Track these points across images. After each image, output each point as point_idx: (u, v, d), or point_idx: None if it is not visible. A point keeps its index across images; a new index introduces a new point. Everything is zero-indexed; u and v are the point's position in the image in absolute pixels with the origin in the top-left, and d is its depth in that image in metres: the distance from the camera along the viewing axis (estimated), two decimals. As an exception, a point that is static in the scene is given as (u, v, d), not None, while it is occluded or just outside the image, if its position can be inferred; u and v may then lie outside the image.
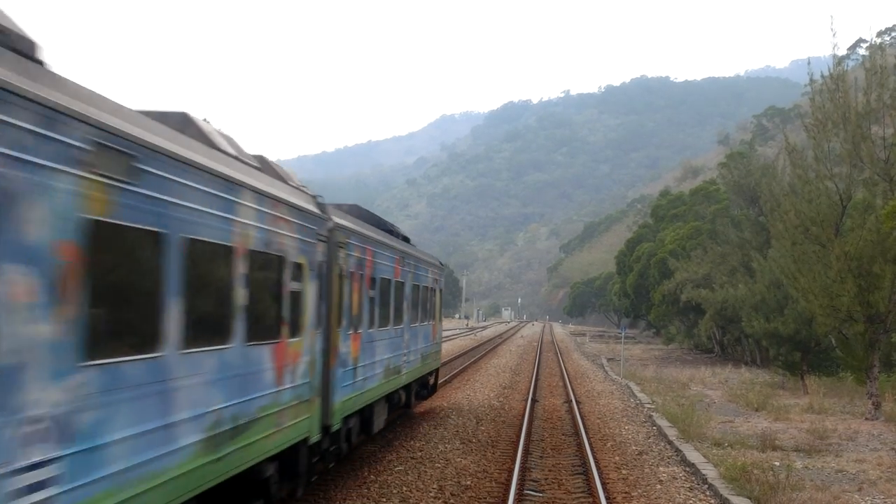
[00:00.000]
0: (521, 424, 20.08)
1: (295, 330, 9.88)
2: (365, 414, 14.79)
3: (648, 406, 24.44)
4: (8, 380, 4.63)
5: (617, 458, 16.78)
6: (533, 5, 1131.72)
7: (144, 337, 6.25)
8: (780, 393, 29.59)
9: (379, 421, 16.17)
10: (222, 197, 7.57)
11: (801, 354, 32.30)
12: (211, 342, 7.43)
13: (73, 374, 5.25)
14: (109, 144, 5.61)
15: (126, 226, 5.87)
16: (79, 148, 5.25)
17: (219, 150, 8.15)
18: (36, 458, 4.87)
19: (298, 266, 9.99)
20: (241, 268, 8.05)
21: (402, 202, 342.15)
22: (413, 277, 18.89)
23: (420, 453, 16.30)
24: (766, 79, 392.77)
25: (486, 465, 15.63)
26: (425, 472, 14.63)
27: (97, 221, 5.44)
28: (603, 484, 13.85)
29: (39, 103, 4.85)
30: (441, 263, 24.83)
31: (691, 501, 13.22)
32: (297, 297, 9.92)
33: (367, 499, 12.54)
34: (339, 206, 14.12)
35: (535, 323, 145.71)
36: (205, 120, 9.00)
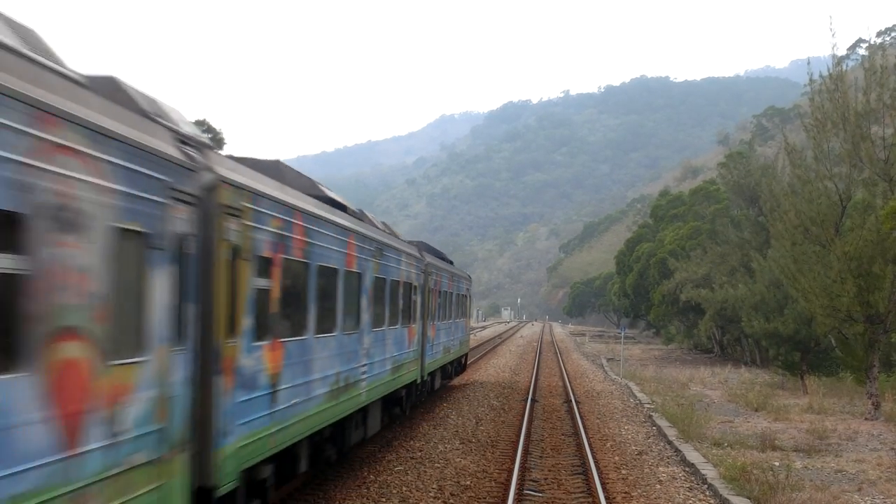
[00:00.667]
0: (521, 424, 20.09)
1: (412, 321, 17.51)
2: (442, 370, 25.49)
3: (648, 406, 24.45)
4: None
5: (616, 458, 16.78)
6: (533, 5, 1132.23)
7: (383, 321, 11.65)
8: (780, 393, 29.58)
9: (440, 380, 25.62)
10: (399, 259, 13.59)
11: (801, 354, 32.30)
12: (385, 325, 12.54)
13: (371, 333, 11.18)
14: (378, 247, 12.04)
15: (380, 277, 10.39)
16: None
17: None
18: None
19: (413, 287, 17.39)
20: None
21: (402, 202, 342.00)
22: (456, 288, 28.23)
23: (420, 453, 16.30)
24: (765, 79, 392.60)
25: (485, 465, 15.63)
26: (425, 472, 14.63)
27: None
28: (602, 484, 13.85)
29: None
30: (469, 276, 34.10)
31: (691, 501, 13.22)
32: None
33: (367, 499, 12.54)
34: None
35: (534, 323, 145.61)
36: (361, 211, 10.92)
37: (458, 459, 15.92)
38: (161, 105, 8.00)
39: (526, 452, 16.70)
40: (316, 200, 11.33)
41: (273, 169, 10.75)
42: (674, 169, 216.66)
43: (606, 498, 12.91)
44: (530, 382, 31.32)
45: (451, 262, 30.46)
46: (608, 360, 47.61)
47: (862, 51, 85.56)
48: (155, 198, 6.44)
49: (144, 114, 7.11)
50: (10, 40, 5.36)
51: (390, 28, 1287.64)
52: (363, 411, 14.44)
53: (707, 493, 13.65)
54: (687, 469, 15.58)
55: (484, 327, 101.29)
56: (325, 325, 11.49)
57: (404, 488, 13.34)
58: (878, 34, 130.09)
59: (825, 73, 23.56)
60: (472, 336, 76.78)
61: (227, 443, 7.93)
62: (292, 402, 9.97)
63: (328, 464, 13.02)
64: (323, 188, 12.64)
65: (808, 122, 24.47)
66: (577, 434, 19.36)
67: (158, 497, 6.55)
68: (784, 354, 33.60)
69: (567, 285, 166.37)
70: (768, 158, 50.95)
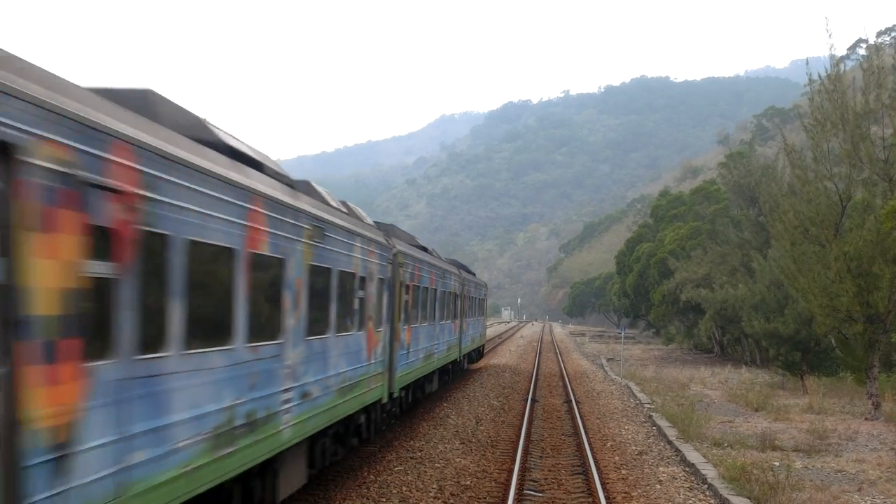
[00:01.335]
0: (521, 424, 20.10)
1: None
2: (471, 353, 33.42)
3: (648, 406, 24.46)
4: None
5: (617, 458, 16.79)
6: (533, 5, 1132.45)
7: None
8: (780, 393, 29.60)
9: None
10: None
11: (801, 354, 32.32)
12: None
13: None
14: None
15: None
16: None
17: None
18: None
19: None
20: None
21: (402, 202, 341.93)
22: (474, 291, 35.53)
23: (420, 453, 16.31)
24: (765, 79, 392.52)
25: (485, 465, 15.64)
26: (425, 472, 14.64)
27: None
28: (603, 484, 13.87)
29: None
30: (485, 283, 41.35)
31: (691, 501, 13.23)
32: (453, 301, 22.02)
33: (367, 499, 12.56)
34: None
35: (534, 323, 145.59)
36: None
37: (458, 459, 15.93)
38: (351, 206, 14.85)
39: (526, 452, 16.72)
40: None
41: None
42: (674, 169, 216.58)
43: (606, 498, 12.92)
44: (530, 382, 31.33)
45: (473, 273, 39.07)
46: (608, 360, 47.62)
47: (862, 51, 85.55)
48: (384, 263, 15.19)
49: (352, 212, 14.48)
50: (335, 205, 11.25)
51: (390, 28, 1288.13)
52: (468, 354, 23.21)
53: (707, 494, 13.67)
54: (687, 469, 15.60)
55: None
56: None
57: (404, 488, 13.36)
58: (878, 34, 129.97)
59: (824, 74, 23.57)
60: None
61: (397, 373, 17.10)
62: (416, 357, 19.73)
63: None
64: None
65: (808, 123, 24.47)
66: (577, 434, 19.37)
67: (380, 387, 15.31)
68: (784, 354, 33.61)
69: (567, 285, 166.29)
70: (768, 158, 50.99)
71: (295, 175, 11.82)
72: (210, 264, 7.64)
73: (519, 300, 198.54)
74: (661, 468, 15.74)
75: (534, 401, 25.67)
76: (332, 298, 11.76)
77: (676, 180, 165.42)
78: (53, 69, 5.48)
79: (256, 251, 8.64)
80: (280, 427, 9.48)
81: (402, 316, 17.72)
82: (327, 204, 12.27)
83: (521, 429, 19.42)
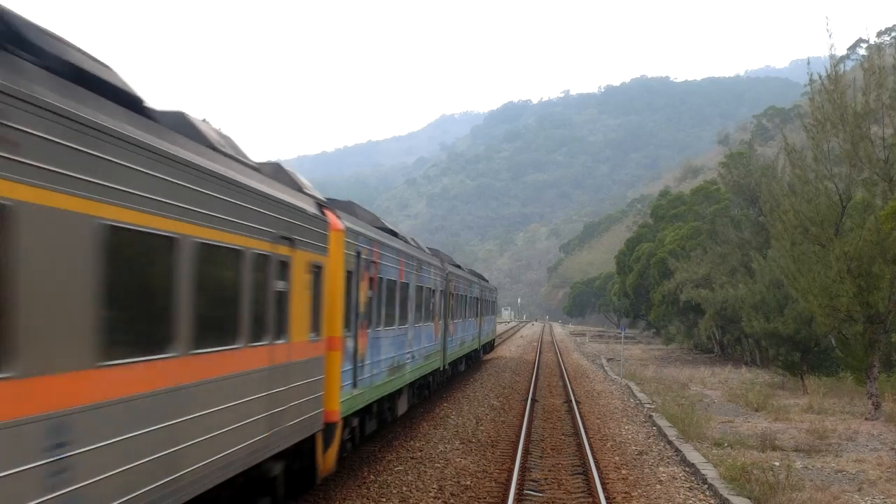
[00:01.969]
0: (521, 424, 20.10)
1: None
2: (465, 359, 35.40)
3: (648, 406, 24.46)
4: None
5: (617, 458, 16.80)
6: (533, 5, 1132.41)
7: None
8: (780, 393, 29.60)
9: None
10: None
11: (801, 354, 32.31)
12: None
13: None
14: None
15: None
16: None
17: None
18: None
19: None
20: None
21: (402, 202, 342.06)
22: (483, 294, 39.91)
23: (420, 453, 16.32)
24: (765, 79, 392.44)
25: (485, 465, 15.65)
26: (425, 472, 14.64)
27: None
28: (603, 484, 13.87)
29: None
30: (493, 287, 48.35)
31: (691, 501, 13.23)
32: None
33: (367, 499, 12.56)
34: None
35: (534, 323, 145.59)
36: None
37: (459, 459, 15.94)
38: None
39: (526, 452, 16.72)
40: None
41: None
42: (674, 169, 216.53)
43: (606, 498, 12.92)
44: (530, 382, 31.34)
45: (486, 280, 46.32)
46: (608, 359, 47.62)
47: (862, 51, 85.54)
48: (439, 278, 24.54)
49: (401, 237, 19.39)
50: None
51: (390, 28, 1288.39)
52: (483, 345, 33.53)
53: (707, 494, 13.67)
54: (687, 469, 15.60)
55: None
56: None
57: (404, 488, 13.36)
58: (878, 34, 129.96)
59: (825, 74, 23.58)
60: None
61: (448, 352, 26.53)
62: (457, 343, 28.69)
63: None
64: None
65: (808, 123, 24.49)
66: (577, 434, 19.37)
67: (439, 361, 24.65)
68: (784, 354, 33.59)
69: (567, 285, 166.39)
70: (768, 158, 50.90)
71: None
72: (419, 294, 20.45)
73: (519, 300, 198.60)
74: (661, 468, 15.74)
75: (534, 401, 25.68)
76: (423, 303, 21.70)
77: (676, 180, 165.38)
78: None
79: (405, 281, 18.50)
80: (406, 371, 18.29)
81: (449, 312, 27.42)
82: (408, 242, 20.69)
83: (521, 429, 19.42)
